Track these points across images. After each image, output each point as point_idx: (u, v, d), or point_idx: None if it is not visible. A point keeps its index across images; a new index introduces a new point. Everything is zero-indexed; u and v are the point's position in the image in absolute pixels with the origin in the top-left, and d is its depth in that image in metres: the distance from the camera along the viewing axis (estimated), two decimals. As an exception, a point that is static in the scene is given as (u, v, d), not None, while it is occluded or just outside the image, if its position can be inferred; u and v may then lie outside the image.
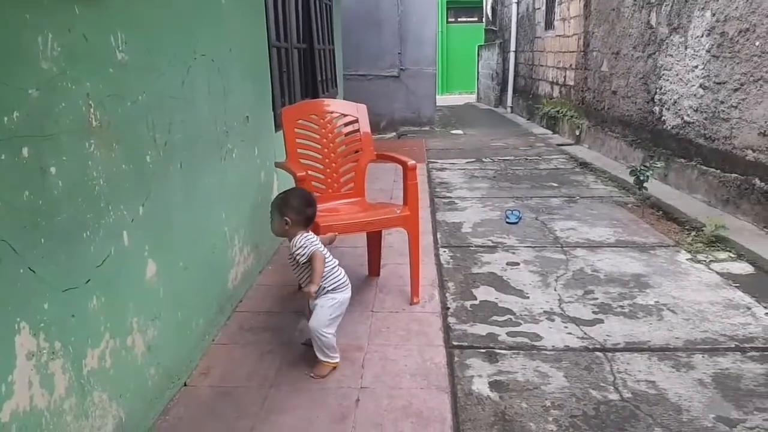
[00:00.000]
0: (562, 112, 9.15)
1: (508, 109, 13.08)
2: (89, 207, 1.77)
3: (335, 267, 2.49)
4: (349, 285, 2.54)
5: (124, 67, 1.98)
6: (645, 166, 5.06)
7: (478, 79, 17.18)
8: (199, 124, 2.67)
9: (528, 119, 11.52)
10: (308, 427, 2.15)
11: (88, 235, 1.76)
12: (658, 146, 5.91)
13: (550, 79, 10.01)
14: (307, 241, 2.40)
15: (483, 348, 2.76)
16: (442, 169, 7.02)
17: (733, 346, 2.72)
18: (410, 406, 2.28)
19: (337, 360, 2.51)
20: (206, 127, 2.77)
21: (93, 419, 1.79)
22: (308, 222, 2.48)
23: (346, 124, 3.44)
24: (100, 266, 1.83)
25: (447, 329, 2.92)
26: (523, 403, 2.33)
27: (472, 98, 17.69)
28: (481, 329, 2.95)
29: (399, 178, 6.02)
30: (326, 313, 2.43)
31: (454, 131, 10.50)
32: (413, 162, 3.07)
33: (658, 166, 5.24)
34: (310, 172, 3.17)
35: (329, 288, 2.45)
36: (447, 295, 3.36)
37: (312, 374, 2.47)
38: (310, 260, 2.38)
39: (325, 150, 3.31)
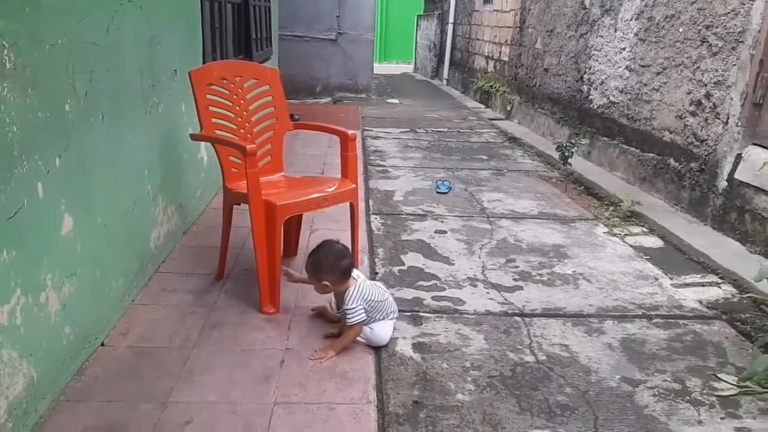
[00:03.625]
0: (495, 87, 9.30)
1: (444, 82, 13.16)
2: (0, 155, 1.66)
3: (385, 300, 2.50)
4: (396, 312, 2.56)
5: (41, 7, 1.85)
6: (570, 142, 5.24)
7: (416, 49, 17.16)
8: (123, 74, 2.55)
9: (463, 92, 11.64)
10: (231, 387, 2.14)
11: (-3, 185, 1.66)
12: (584, 124, 6.13)
13: (486, 54, 10.13)
14: (359, 301, 2.36)
15: (408, 311, 2.82)
16: (376, 138, 7.02)
17: (641, 313, 2.91)
18: (335, 366, 2.31)
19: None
20: (131, 79, 2.65)
21: (1, 377, 1.71)
22: (349, 273, 2.41)
23: (258, 91, 3.13)
24: (12, 218, 1.73)
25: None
26: (444, 364, 2.41)
27: (409, 68, 17.68)
28: (408, 293, 3.01)
29: (334, 144, 6.00)
30: (385, 335, 2.48)
31: (390, 100, 10.49)
32: (353, 132, 2.97)
33: (583, 143, 5.45)
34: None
35: (378, 318, 2.47)
36: (376, 260, 3.39)
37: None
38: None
39: (239, 119, 2.97)
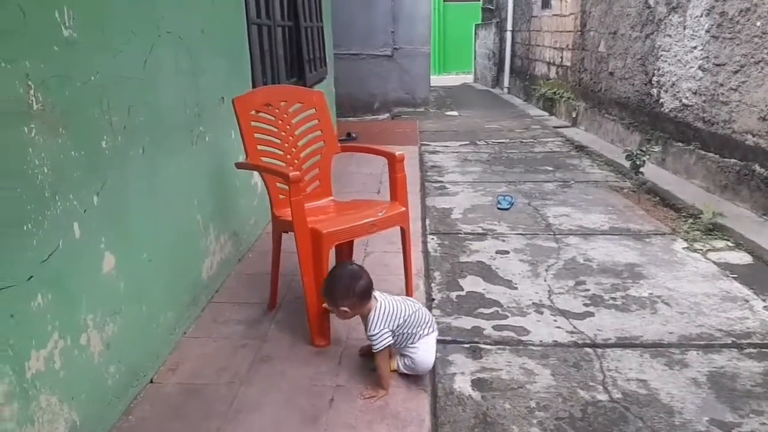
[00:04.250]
0: (558, 94, 8.97)
1: (505, 90, 12.87)
2: (30, 198, 1.62)
3: (415, 312, 2.26)
4: (434, 329, 2.31)
5: (72, 45, 1.81)
6: (641, 150, 4.92)
7: (475, 59, 16.91)
8: (164, 106, 2.50)
9: (525, 100, 11.32)
10: (278, 428, 2.03)
11: (29, 228, 1.61)
12: (656, 129, 5.75)
13: (547, 60, 9.80)
14: (384, 325, 2.17)
15: (467, 343, 2.64)
16: (434, 152, 6.86)
17: (730, 342, 2.61)
18: (386, 406, 2.15)
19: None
20: (173, 110, 2.61)
21: (40, 424, 1.66)
22: (367, 294, 2.22)
23: (303, 115, 3.04)
24: (46, 261, 1.68)
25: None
26: (506, 404, 2.21)
27: (469, 78, 17.43)
28: (466, 322, 2.82)
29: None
30: (430, 360, 2.26)
31: (449, 112, 10.31)
32: (401, 153, 2.81)
33: (655, 150, 5.10)
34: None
35: (414, 335, 2.25)
36: (432, 285, 3.23)
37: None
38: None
39: (286, 144, 2.88)
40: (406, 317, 2.22)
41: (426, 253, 3.66)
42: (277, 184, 2.77)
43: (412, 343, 2.23)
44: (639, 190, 4.92)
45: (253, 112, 2.80)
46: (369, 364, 2.36)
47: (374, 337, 2.17)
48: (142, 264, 2.28)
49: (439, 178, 5.60)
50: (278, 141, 2.88)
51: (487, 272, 3.40)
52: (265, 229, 4.00)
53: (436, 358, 2.49)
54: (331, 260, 3.10)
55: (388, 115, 9.77)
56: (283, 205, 2.73)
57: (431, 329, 2.28)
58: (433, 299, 3.05)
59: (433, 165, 6.18)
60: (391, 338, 2.18)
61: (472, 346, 2.61)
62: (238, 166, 2.95)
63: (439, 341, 2.64)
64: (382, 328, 2.17)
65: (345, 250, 3.04)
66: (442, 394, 2.28)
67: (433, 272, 3.40)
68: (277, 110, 2.90)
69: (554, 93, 9.17)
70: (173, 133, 2.59)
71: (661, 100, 5.63)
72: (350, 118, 9.04)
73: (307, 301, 2.52)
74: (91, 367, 1.92)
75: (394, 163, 2.81)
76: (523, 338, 2.67)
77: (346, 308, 2.19)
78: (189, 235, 2.77)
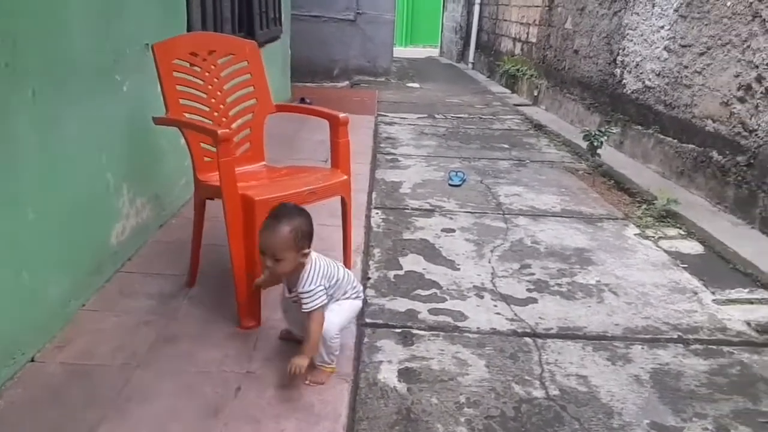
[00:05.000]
0: (522, 71, 8.76)
1: (470, 65, 12.61)
2: None
3: (344, 277, 2.00)
4: (361, 294, 2.08)
5: None
6: (600, 130, 4.76)
7: (442, 32, 16.57)
8: (68, 46, 2.17)
9: (488, 77, 11.10)
10: (171, 421, 1.77)
11: None
12: (616, 111, 5.61)
13: (513, 35, 9.57)
14: (319, 281, 1.87)
15: (399, 327, 2.42)
16: (390, 124, 6.58)
17: (676, 336, 2.46)
18: (301, 397, 1.91)
19: (334, 365, 2.01)
20: (80, 51, 2.27)
21: None
22: (310, 236, 1.92)
23: (234, 68, 2.74)
24: None
25: (363, 304, 2.55)
26: (433, 398, 2.01)
27: (435, 52, 17.09)
28: (401, 304, 2.60)
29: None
30: (336, 322, 1.94)
31: (410, 84, 10.01)
32: (345, 115, 2.55)
33: (614, 131, 4.95)
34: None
35: (339, 297, 1.99)
36: (371, 263, 3.00)
37: (308, 381, 1.95)
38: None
39: (213, 100, 2.57)
40: (338, 278, 1.96)
41: (368, 228, 3.42)
42: (202, 145, 2.46)
43: (335, 300, 1.99)
44: (594, 172, 4.77)
45: (176, 62, 2.47)
46: (290, 349, 2.11)
47: (308, 294, 1.85)
48: (23, 224, 1.96)
49: (393, 150, 5.35)
50: (204, 95, 2.56)
51: (429, 251, 3.18)
52: (192, 196, 3.69)
53: (362, 344, 2.28)
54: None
55: (347, 82, 9.42)
56: (208, 169, 2.43)
57: (355, 295, 2.04)
58: (369, 278, 2.82)
59: (387, 136, 5.91)
60: (325, 297, 1.89)
61: (404, 331, 2.39)
62: (157, 121, 2.61)
63: (368, 325, 2.43)
64: (318, 284, 1.87)
65: None
66: (365, 385, 2.06)
67: (372, 249, 3.16)
68: (204, 60, 2.57)
69: (517, 70, 8.96)
70: (79, 79, 2.26)
71: (624, 81, 5.48)
72: (308, 84, 8.65)
73: (235, 276, 2.23)
74: (-58, 346, 1.62)
75: (337, 126, 2.53)
76: (460, 324, 2.47)
77: (287, 259, 1.83)
78: (94, 195, 2.44)
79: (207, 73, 2.57)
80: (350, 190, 2.61)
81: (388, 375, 2.12)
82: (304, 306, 1.86)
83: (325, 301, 1.90)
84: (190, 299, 2.46)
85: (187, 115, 2.47)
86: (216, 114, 2.59)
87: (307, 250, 1.87)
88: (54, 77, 2.08)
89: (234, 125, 2.64)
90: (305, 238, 1.86)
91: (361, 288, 2.10)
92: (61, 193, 2.18)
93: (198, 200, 2.52)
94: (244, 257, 2.22)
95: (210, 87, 2.57)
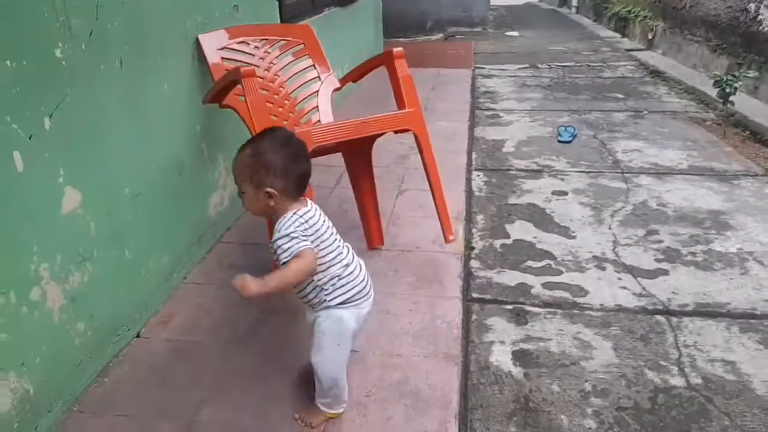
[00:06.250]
0: (634, 12, 8.01)
1: (573, 10, 11.80)
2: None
3: (348, 267, 1.52)
4: (370, 296, 1.58)
5: None
6: (733, 75, 4.18)
7: (541, -25, 15.58)
8: (154, 11, 2.07)
9: (595, 21, 10.32)
10: (272, 406, 1.69)
11: (-63, 161, 1.25)
12: (750, 53, 4.95)
13: (624, -27, 8.75)
14: (296, 228, 1.42)
15: (510, 303, 2.21)
16: (489, 76, 6.23)
17: (844, 315, 2.08)
18: (407, 381, 1.77)
19: (341, 410, 1.65)
20: (165, 16, 2.17)
21: (-29, 400, 1.36)
22: (300, 188, 1.50)
23: (290, 51, 2.61)
24: (-35, 202, 1.33)
25: (468, 276, 2.37)
26: (554, 386, 1.80)
27: (534, -2, 16.16)
28: (511, 278, 2.38)
29: (438, 86, 5.33)
30: (329, 342, 1.53)
31: (509, 33, 9.48)
32: (399, 49, 2.25)
33: (750, 75, 4.35)
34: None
35: (333, 302, 1.51)
36: (474, 231, 2.79)
37: (297, 416, 1.64)
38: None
39: (270, 84, 2.44)
40: (331, 244, 1.49)
41: (469, 192, 3.19)
42: (272, 116, 2.31)
43: (326, 299, 1.51)
44: (725, 122, 4.23)
45: (224, 51, 2.41)
46: (390, 328, 1.96)
47: (281, 241, 1.41)
48: (122, 200, 1.92)
49: (492, 106, 5.03)
50: (261, 80, 2.39)
51: (539, 217, 2.91)
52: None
53: (470, 322, 2.09)
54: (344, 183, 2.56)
55: (442, 35, 9.04)
56: None
57: (366, 299, 1.56)
58: (473, 248, 2.62)
59: (486, 90, 5.58)
60: (306, 243, 1.41)
61: (516, 308, 2.18)
62: (205, 100, 2.38)
63: (476, 300, 2.24)
64: (293, 229, 1.42)
65: (360, 170, 2.45)
66: (476, 368, 1.88)
67: (475, 215, 2.94)
68: (256, 48, 2.52)
69: (629, 12, 8.21)
70: (167, 46, 2.18)
71: (760, 17, 4.80)
72: (400, 39, 8.39)
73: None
74: (48, 326, 1.61)
75: (393, 62, 2.21)
76: (580, 300, 2.22)
77: (272, 191, 1.43)
78: (191, 167, 2.39)
79: (261, 59, 2.49)
80: (422, 122, 2.25)
81: (502, 357, 1.92)
82: (282, 257, 1.42)
83: (307, 245, 1.41)
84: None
85: (241, 98, 2.14)
86: (276, 97, 2.44)
87: (269, 189, 1.43)
88: (142, 46, 2.00)
89: (297, 107, 2.50)
90: (270, 174, 1.43)
91: (370, 292, 1.58)
92: (157, 167, 2.13)
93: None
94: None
95: (266, 71, 2.47)
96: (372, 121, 2.10)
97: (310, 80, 2.58)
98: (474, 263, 2.49)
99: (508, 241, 2.68)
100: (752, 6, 4.93)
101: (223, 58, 2.38)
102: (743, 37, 5.10)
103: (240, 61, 2.39)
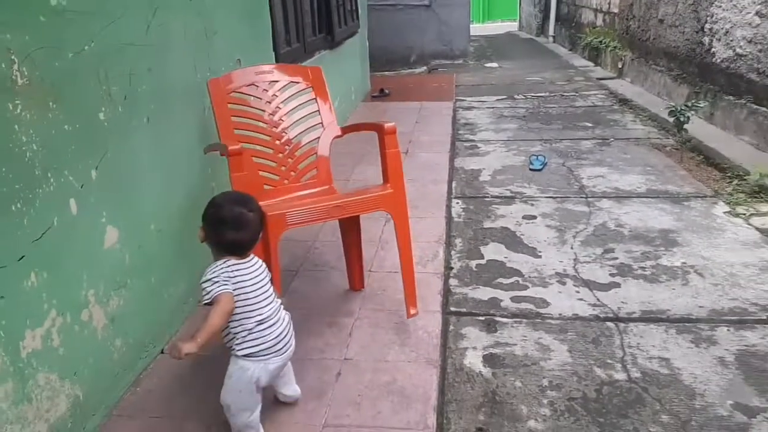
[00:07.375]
0: (605, 43, 8.50)
1: (550, 39, 12.31)
2: (18, 177, 1.59)
3: (262, 324, 1.73)
4: (283, 353, 1.79)
5: (60, 14, 1.75)
6: (686, 105, 4.60)
7: (520, 5, 16.21)
8: (171, 72, 2.44)
9: (570, 50, 10.81)
10: (280, 405, 2.02)
11: (18, 208, 1.59)
12: (706, 81, 5.39)
13: (594, 6, 9.28)
14: (219, 274, 1.67)
15: (482, 315, 2.56)
16: (469, 108, 6.64)
17: (765, 317, 2.44)
18: (394, 382, 2.11)
19: None
20: (182, 75, 2.54)
21: (39, 402, 1.68)
22: (231, 251, 1.74)
23: (297, 94, 2.70)
24: (39, 240, 1.67)
25: (447, 293, 2.71)
26: (517, 382, 2.14)
27: (513, 26, 16.76)
28: (484, 293, 2.73)
29: (422, 119, 5.72)
30: (231, 387, 1.75)
31: (488, 64, 9.95)
32: (391, 124, 2.29)
33: (701, 105, 4.76)
34: (257, 159, 2.49)
35: (240, 352, 1.72)
36: (452, 253, 3.14)
37: None
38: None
39: (274, 129, 2.56)
40: (252, 299, 1.71)
41: (449, 218, 3.55)
42: (261, 173, 2.49)
43: (234, 347, 1.74)
44: (682, 147, 4.63)
45: (232, 94, 2.51)
46: (383, 337, 2.30)
47: (205, 284, 1.67)
48: (149, 236, 2.27)
49: (471, 137, 5.42)
50: (264, 125, 2.56)
51: (510, 239, 3.28)
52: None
53: (448, 331, 2.43)
54: (337, 242, 2.79)
55: (425, 68, 9.50)
56: (267, 196, 2.39)
57: (269, 357, 1.74)
58: (452, 268, 2.97)
59: (466, 122, 5.98)
60: (225, 287, 1.65)
61: (488, 319, 2.53)
62: (206, 150, 2.58)
63: (453, 313, 2.58)
64: (215, 273, 1.68)
65: (348, 227, 2.64)
66: (452, 370, 2.22)
67: (454, 239, 3.30)
68: (264, 91, 2.60)
69: (600, 42, 8.70)
70: (183, 100, 2.54)
71: (713, 50, 5.25)
72: (386, 72, 8.82)
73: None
74: (94, 342, 1.93)
75: (383, 137, 2.29)
76: (542, 311, 2.57)
77: (203, 234, 1.79)
78: (203, 204, 2.73)
79: (268, 103, 2.58)
80: (401, 204, 2.33)
81: (474, 360, 2.27)
82: (204, 298, 1.68)
83: (225, 289, 1.65)
84: (292, 293, 2.71)
85: (244, 145, 2.33)
86: (277, 142, 2.57)
87: (201, 232, 1.79)
88: (163, 102, 2.36)
89: (298, 152, 2.61)
90: (207, 223, 1.78)
91: (285, 349, 1.79)
92: (176, 205, 2.48)
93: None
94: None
95: (272, 116, 2.58)
96: (348, 203, 2.21)
97: (313, 126, 2.67)
98: (452, 281, 2.84)
99: (483, 261, 3.04)
100: (706, 39, 5.38)
101: (230, 103, 2.46)
102: (699, 67, 5.55)
103: (247, 106, 2.53)
